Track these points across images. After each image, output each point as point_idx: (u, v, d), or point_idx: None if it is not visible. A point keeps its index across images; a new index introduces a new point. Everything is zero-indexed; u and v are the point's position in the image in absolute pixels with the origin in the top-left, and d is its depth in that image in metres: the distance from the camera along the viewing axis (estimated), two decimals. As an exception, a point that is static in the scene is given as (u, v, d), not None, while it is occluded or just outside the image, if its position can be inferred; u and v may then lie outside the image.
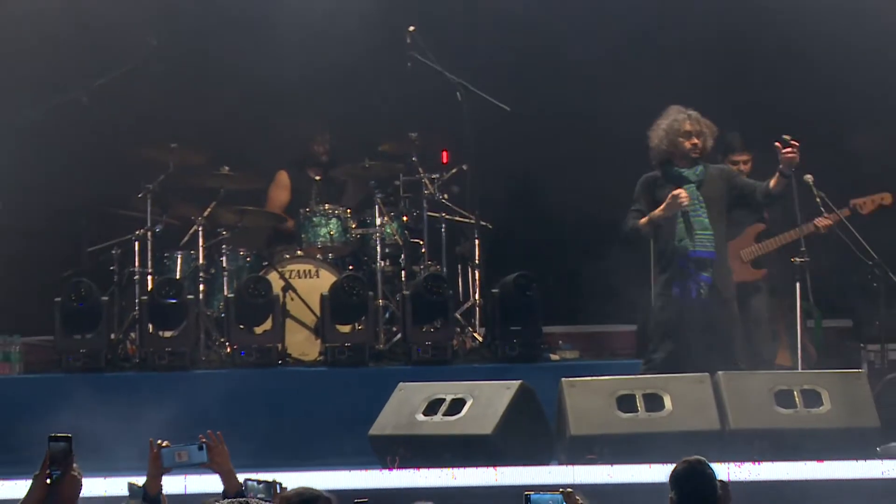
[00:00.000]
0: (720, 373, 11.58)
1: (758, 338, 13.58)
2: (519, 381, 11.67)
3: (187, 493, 9.88)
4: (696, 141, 12.12)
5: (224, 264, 14.06)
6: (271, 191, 14.82)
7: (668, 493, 8.41)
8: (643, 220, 12.13)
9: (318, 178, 14.64)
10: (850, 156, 14.64)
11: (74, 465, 7.49)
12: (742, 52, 15.08)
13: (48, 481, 7.49)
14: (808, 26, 14.39)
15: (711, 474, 8.29)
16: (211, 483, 9.33)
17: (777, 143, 11.96)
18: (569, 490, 7.96)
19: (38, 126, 14.37)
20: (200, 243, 14.04)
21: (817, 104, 14.82)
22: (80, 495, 7.79)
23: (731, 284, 12.36)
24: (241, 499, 6.09)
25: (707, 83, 13.76)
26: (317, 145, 14.78)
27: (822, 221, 13.04)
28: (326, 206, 14.29)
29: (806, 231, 13.02)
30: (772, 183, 12.02)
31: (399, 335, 13.85)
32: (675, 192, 12.04)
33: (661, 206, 12.06)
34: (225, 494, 8.35)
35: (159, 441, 8.38)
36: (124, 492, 9.01)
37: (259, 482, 8.37)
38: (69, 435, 7.51)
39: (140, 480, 8.87)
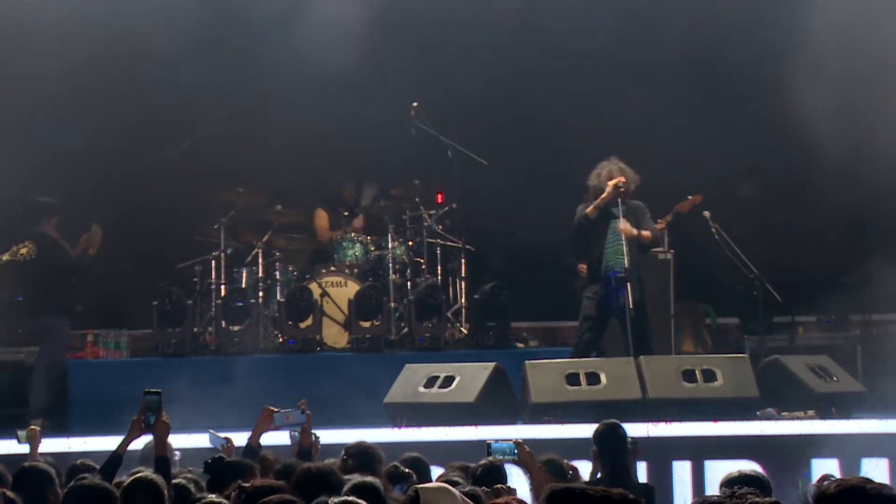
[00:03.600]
0: (641, 357, 11.61)
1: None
2: (494, 363, 11.72)
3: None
4: (619, 182, 12.14)
5: (278, 277, 14.07)
6: (316, 222, 14.79)
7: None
8: (590, 208, 12.11)
9: (346, 213, 14.66)
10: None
11: (164, 413, 7.55)
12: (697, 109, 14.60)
13: (143, 425, 7.56)
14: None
15: (623, 433, 8.33)
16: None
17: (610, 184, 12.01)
18: (519, 440, 8.05)
19: (139, 174, 14.43)
20: (260, 262, 14.06)
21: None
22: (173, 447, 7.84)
23: (643, 292, 12.35)
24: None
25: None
26: (346, 191, 14.79)
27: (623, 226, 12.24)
28: (353, 234, 14.33)
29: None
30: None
31: (406, 329, 13.87)
32: (611, 183, 12.03)
33: (603, 195, 12.02)
34: (300, 445, 8.43)
35: (270, 407, 8.47)
36: (206, 444, 9.09)
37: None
38: (160, 390, 7.58)
39: (220, 434, 8.91)
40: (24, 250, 11.90)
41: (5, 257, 11.89)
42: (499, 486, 7.18)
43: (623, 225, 12.04)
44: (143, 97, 14.37)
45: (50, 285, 12.51)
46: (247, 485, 6.51)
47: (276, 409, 8.51)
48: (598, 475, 8.37)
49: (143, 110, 14.41)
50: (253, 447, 8.38)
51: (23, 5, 13.62)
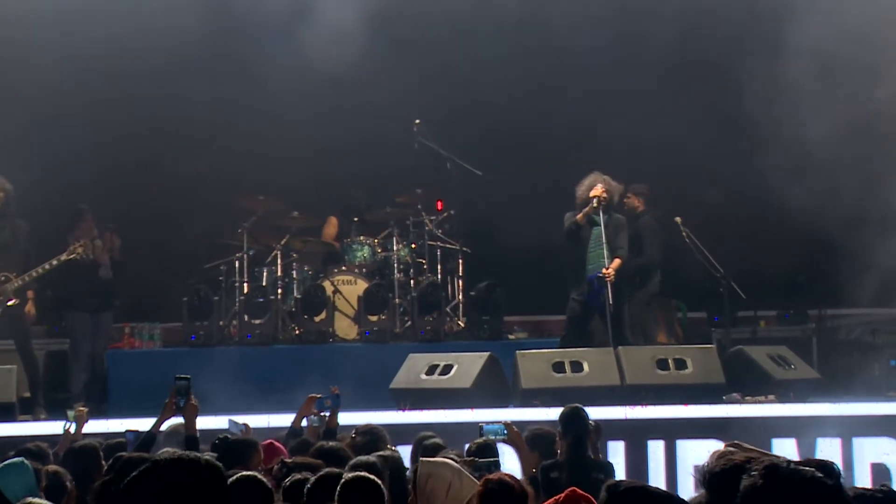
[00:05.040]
0: (620, 347, 11.62)
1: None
2: (488, 353, 11.70)
3: (270, 426, 9.90)
4: (599, 193, 12.14)
5: (294, 276, 14.06)
6: (325, 228, 14.83)
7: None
8: (579, 216, 12.11)
9: (355, 219, 14.65)
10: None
11: (193, 396, 7.53)
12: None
13: (175, 408, 7.54)
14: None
15: (584, 416, 8.30)
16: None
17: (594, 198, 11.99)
18: (508, 421, 8.04)
19: (172, 184, 14.42)
20: (279, 262, 14.05)
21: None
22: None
23: (622, 292, 12.35)
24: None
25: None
26: (357, 199, 14.77)
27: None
28: (361, 237, 14.32)
29: None
30: None
31: (409, 322, 13.83)
32: (593, 194, 12.03)
33: (587, 208, 12.03)
34: (328, 425, 8.45)
35: (313, 394, 8.50)
36: (225, 425, 9.06)
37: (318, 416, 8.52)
38: (189, 376, 7.56)
39: (238, 418, 8.88)
40: (80, 249, 11.95)
41: (63, 257, 11.92)
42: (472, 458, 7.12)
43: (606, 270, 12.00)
44: (168, 111, 14.33)
45: (70, 283, 12.51)
46: (289, 461, 6.53)
47: (318, 396, 8.55)
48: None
49: (172, 125, 14.39)
50: (296, 429, 8.41)
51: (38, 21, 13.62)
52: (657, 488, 4.02)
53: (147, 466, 3.63)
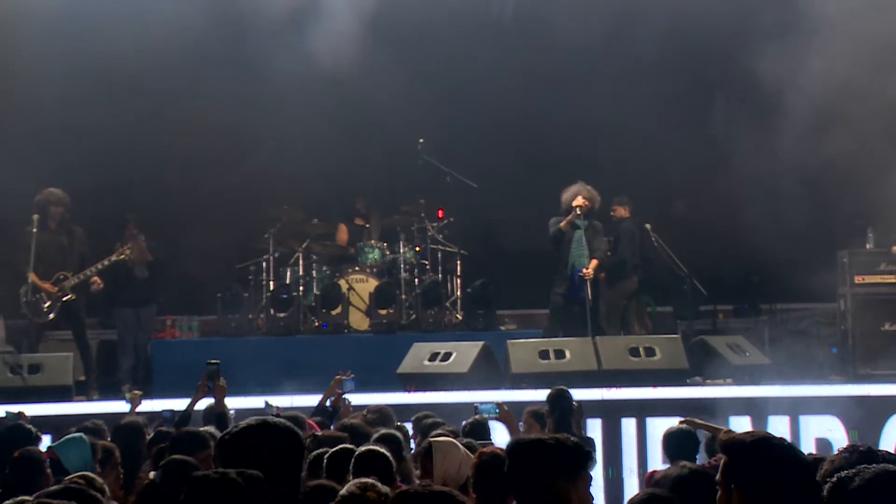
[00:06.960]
0: (597, 337, 11.63)
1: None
2: (483, 342, 11.72)
3: (293, 405, 9.90)
4: (581, 202, 12.19)
5: (314, 275, 14.04)
6: (336, 234, 14.77)
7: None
8: (563, 223, 12.14)
9: (365, 225, 14.65)
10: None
11: (221, 378, 7.55)
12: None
13: (207, 389, 7.56)
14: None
15: (569, 396, 8.31)
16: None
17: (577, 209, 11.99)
18: (500, 402, 8.07)
19: (208, 194, 14.42)
20: (301, 263, 14.05)
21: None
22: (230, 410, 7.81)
23: (600, 289, 12.38)
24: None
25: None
26: (358, 203, 14.77)
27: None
28: (372, 241, 14.34)
29: None
30: None
31: (414, 316, 13.83)
32: (575, 203, 12.08)
33: (571, 215, 12.07)
34: (333, 406, 8.46)
35: (338, 377, 8.54)
36: (257, 405, 9.06)
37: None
38: (218, 361, 7.58)
39: (272, 399, 8.90)
40: (127, 251, 11.96)
41: (113, 258, 11.94)
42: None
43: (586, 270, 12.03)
44: (200, 131, 14.27)
45: (114, 282, 12.55)
46: (318, 434, 6.57)
47: (343, 377, 8.59)
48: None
49: (206, 143, 14.36)
50: (323, 407, 8.44)
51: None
52: (533, 438, 4.14)
53: (238, 429, 4.04)
